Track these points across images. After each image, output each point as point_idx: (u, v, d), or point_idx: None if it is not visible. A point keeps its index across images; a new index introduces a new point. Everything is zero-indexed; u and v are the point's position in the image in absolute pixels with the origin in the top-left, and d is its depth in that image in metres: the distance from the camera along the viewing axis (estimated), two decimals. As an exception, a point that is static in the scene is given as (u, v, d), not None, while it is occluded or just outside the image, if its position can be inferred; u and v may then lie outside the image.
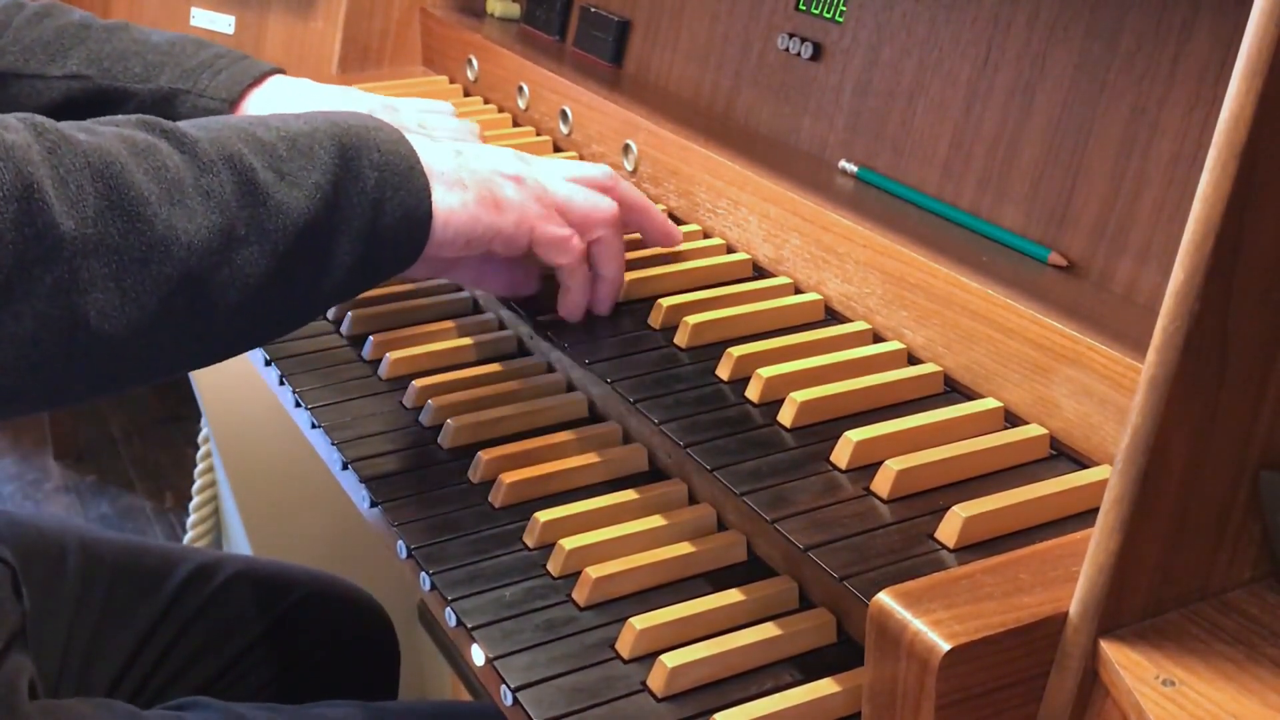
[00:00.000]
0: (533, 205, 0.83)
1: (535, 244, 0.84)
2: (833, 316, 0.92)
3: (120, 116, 0.72)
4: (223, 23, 1.52)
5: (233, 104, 0.94)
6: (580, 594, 0.80)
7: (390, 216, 0.76)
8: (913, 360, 0.86)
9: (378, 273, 0.77)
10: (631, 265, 0.95)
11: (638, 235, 0.97)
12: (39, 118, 0.67)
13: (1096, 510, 0.57)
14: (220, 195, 0.69)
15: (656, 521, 0.86)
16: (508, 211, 0.82)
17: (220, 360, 0.74)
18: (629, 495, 0.88)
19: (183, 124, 0.73)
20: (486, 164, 0.83)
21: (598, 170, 0.90)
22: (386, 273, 0.78)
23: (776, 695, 0.73)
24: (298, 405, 1.01)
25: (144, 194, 0.67)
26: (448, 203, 0.79)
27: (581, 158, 1.18)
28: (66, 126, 0.68)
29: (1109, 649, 0.58)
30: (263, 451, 1.74)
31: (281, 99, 0.96)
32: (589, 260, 0.89)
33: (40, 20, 0.98)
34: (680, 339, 0.88)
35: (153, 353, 0.69)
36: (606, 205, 0.88)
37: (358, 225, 0.74)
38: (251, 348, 0.76)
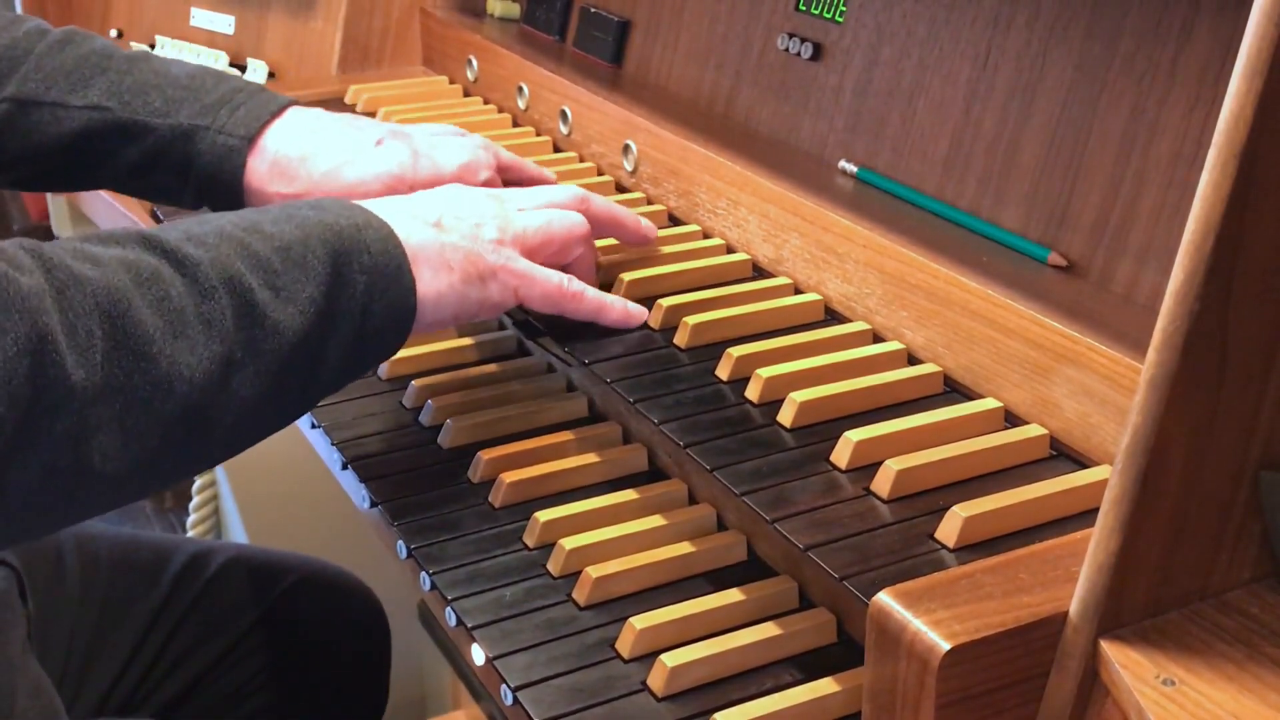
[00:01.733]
0: (517, 268, 0.85)
1: (533, 305, 0.86)
2: (833, 316, 0.92)
3: (120, 232, 0.72)
4: (223, 23, 1.52)
5: (251, 140, 0.96)
6: (580, 594, 0.80)
7: (378, 318, 0.77)
8: (913, 360, 0.86)
9: (363, 367, 0.80)
10: (632, 265, 0.96)
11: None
12: (45, 248, 0.67)
13: (1096, 510, 0.58)
14: (220, 323, 0.70)
15: (656, 521, 0.86)
16: (491, 282, 0.84)
17: (210, 468, 0.76)
18: (629, 495, 0.89)
19: (182, 234, 0.73)
20: (466, 234, 0.84)
21: (567, 193, 0.92)
22: (371, 365, 0.81)
23: (776, 695, 0.73)
24: (298, 405, 1.01)
25: (149, 331, 0.67)
26: (435, 286, 0.81)
27: (581, 158, 1.18)
28: (70, 254, 0.68)
29: (1109, 649, 0.58)
30: (262, 450, 1.73)
31: (297, 131, 0.98)
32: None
33: (62, 48, 0.99)
34: (680, 339, 0.88)
35: (148, 481, 0.71)
36: (579, 223, 0.90)
37: (346, 330, 0.76)
38: (242, 451, 0.78)
